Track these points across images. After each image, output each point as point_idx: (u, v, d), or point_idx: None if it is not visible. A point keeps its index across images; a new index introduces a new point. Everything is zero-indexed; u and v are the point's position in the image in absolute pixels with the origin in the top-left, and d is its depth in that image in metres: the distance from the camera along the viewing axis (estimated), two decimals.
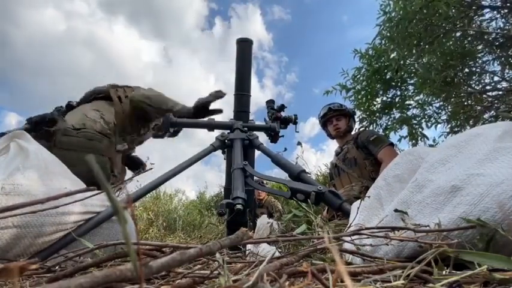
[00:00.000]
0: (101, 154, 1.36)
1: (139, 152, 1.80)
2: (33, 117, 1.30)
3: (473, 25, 3.11)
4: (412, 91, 3.56)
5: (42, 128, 1.25)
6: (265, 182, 3.17)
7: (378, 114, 3.58)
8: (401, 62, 3.33)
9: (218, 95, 1.46)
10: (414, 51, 3.21)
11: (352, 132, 2.18)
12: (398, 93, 3.59)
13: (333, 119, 2.10)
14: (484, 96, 3.36)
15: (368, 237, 0.50)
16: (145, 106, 1.51)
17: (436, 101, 3.45)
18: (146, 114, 1.56)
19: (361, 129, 3.25)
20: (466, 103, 3.39)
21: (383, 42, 3.37)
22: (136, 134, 1.63)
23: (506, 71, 3.25)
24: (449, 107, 3.47)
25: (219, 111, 1.49)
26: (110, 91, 1.56)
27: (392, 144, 1.90)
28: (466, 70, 3.30)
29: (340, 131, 2.08)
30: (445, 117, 3.44)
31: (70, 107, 1.57)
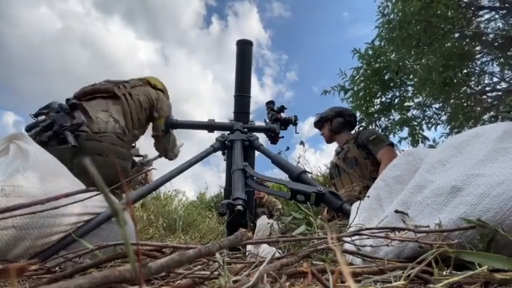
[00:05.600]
0: (123, 158, 1.34)
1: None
2: (51, 119, 1.20)
3: (472, 26, 3.12)
4: (411, 92, 3.57)
5: (64, 132, 1.17)
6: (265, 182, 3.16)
7: (376, 115, 3.58)
8: (401, 63, 3.33)
9: None
10: (413, 52, 3.22)
11: (353, 131, 2.21)
12: (397, 94, 3.60)
13: (320, 130, 2.30)
14: (484, 97, 3.36)
15: (368, 238, 0.50)
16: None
17: (436, 102, 3.46)
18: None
19: (361, 128, 3.26)
20: (465, 104, 3.40)
21: (382, 43, 3.37)
22: (141, 130, 1.57)
23: (506, 71, 3.26)
24: (448, 108, 3.47)
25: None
26: (115, 89, 1.46)
27: (392, 144, 1.89)
28: (465, 71, 3.30)
29: (327, 138, 2.24)
30: (445, 118, 3.45)
31: (73, 106, 1.38)
